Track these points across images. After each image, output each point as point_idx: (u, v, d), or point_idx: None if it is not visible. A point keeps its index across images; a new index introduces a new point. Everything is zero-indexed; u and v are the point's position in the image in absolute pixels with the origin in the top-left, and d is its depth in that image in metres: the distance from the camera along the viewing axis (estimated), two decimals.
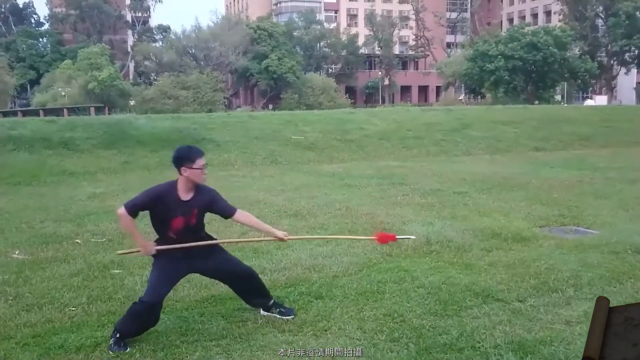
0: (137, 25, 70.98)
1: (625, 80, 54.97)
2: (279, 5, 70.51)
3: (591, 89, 51.82)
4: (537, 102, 40.02)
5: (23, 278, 5.40)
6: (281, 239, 4.21)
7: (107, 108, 37.63)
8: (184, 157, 3.86)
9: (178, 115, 20.60)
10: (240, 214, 4.13)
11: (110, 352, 3.78)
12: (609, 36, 47.60)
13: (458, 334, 3.94)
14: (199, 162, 3.87)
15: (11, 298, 4.87)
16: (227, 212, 4.10)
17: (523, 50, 41.02)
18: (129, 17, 72.14)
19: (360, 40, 65.39)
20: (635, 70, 52.76)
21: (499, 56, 41.39)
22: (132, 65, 64.94)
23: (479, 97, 51.16)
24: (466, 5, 74.07)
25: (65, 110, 31.61)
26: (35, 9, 75.14)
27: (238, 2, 77.08)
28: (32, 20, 73.57)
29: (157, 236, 4.08)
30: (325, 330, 4.09)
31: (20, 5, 72.07)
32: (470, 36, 65.02)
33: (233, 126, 17.53)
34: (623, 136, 20.90)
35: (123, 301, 4.74)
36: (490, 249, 6.20)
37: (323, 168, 14.17)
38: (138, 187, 10.93)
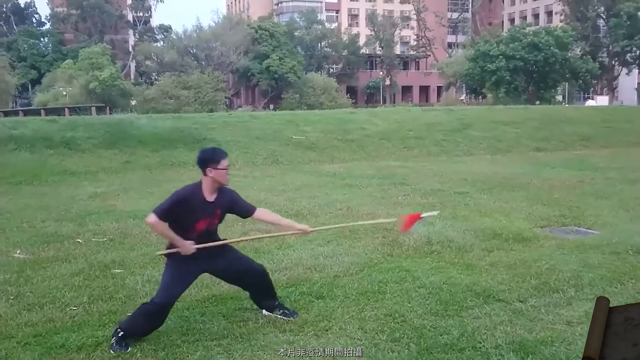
0: (138, 25, 70.98)
1: (627, 81, 54.99)
2: (280, 5, 70.45)
3: (592, 89, 51.78)
4: (538, 102, 39.96)
5: (24, 277, 5.41)
6: (305, 232, 4.29)
7: (108, 108, 37.70)
8: (209, 159, 3.92)
9: (179, 115, 20.57)
10: (260, 212, 4.24)
11: (112, 352, 3.79)
12: (610, 36, 47.58)
13: (459, 334, 3.95)
14: (224, 163, 3.94)
15: (12, 297, 4.88)
16: (248, 211, 4.19)
17: (524, 50, 40.98)
18: (130, 17, 72.11)
19: (362, 40, 65.30)
20: (637, 70, 52.71)
21: (500, 56, 41.34)
22: (133, 65, 64.90)
23: (480, 97, 51.09)
24: (467, 6, 74.03)
25: (66, 109, 31.61)
26: (36, 8, 75.17)
27: (239, 2, 77.01)
28: (34, 20, 73.63)
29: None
30: (326, 330, 4.09)
31: (22, 5, 72.20)
32: (471, 36, 65.00)
33: (234, 126, 17.52)
34: (624, 136, 20.90)
35: (124, 300, 4.75)
36: (491, 249, 6.20)
37: (324, 168, 14.18)
38: (139, 187, 11.06)
